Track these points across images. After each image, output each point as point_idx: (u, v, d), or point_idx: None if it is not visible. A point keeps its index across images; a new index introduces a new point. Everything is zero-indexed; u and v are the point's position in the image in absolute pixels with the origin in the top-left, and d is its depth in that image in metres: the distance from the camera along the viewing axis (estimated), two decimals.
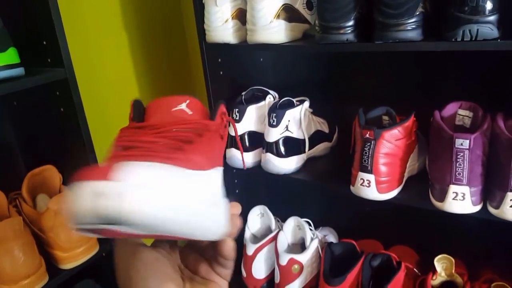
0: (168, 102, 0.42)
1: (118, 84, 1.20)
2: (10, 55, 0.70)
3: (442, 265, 0.92)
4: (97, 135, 0.88)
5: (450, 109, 0.81)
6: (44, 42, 0.78)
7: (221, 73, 1.07)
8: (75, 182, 0.29)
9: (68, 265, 0.82)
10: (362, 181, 0.80)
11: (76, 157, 0.86)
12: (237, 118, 1.00)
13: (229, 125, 0.51)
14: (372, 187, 0.80)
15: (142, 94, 1.27)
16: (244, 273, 1.16)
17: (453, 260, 0.90)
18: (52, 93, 0.82)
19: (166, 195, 0.30)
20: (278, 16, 0.86)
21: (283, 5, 0.86)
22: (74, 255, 0.81)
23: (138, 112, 0.41)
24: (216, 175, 0.38)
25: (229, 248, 0.40)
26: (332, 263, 1.00)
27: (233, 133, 1.01)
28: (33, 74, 0.75)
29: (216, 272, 0.42)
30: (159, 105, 0.42)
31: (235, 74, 1.11)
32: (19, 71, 0.72)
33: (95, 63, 1.12)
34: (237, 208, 0.41)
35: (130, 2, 1.18)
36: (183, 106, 0.41)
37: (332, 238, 1.20)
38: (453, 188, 0.72)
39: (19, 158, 1.00)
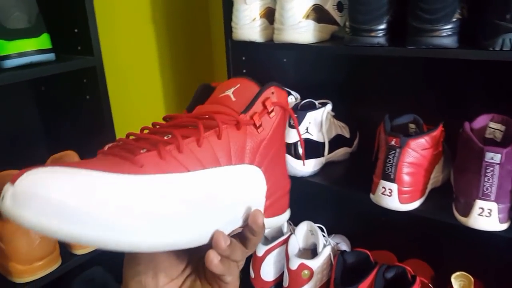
0: (225, 85, 0.43)
1: (142, 75, 1.21)
2: (43, 41, 0.71)
3: (460, 283, 0.89)
4: (120, 123, 0.89)
5: (480, 121, 0.79)
6: (76, 30, 0.78)
7: (244, 71, 1.06)
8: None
9: (81, 251, 0.83)
10: (383, 189, 0.79)
11: (98, 144, 0.86)
12: None
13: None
14: (393, 197, 0.78)
15: (164, 86, 1.27)
16: (252, 274, 1.15)
17: (472, 279, 0.87)
18: (80, 80, 0.82)
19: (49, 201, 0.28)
20: (307, 16, 0.86)
21: (313, 5, 0.86)
22: None
23: (196, 97, 0.44)
24: (181, 178, 0.35)
25: (258, 221, 0.38)
26: (344, 272, 0.99)
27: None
28: (63, 61, 0.75)
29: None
30: (218, 88, 0.43)
31: (258, 72, 1.10)
32: (50, 56, 0.72)
33: (122, 53, 1.13)
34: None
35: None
36: (230, 91, 0.41)
37: (344, 246, 1.18)
38: (479, 203, 0.70)
39: (43, 142, 1.00)
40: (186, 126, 0.38)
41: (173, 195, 0.33)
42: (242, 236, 0.39)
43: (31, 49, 0.68)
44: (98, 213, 0.29)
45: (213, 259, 0.35)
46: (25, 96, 0.96)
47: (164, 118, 0.41)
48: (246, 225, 0.39)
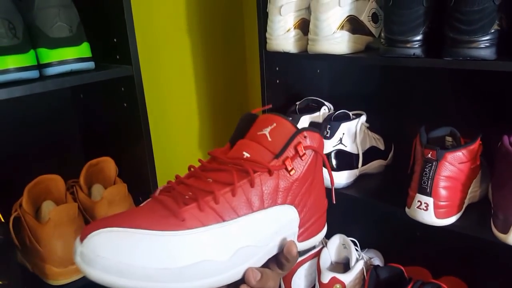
0: (263, 121, 0.46)
1: (178, 85, 1.23)
2: (84, 49, 0.73)
3: None
4: (156, 132, 0.91)
5: None
6: (115, 40, 0.81)
7: (278, 81, 1.07)
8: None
9: None
10: (419, 203, 0.77)
11: (134, 152, 0.89)
12: None
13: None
14: (429, 211, 0.76)
15: (198, 96, 1.30)
16: (283, 287, 1.14)
17: None
18: (118, 89, 0.85)
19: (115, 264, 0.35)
20: (342, 27, 0.85)
21: (348, 16, 0.85)
22: None
23: (239, 128, 0.49)
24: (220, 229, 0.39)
25: (292, 252, 0.43)
26: (377, 287, 0.96)
27: None
28: (102, 69, 0.78)
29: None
30: (257, 124, 0.47)
31: (291, 83, 1.10)
32: (90, 64, 0.75)
33: (159, 62, 1.16)
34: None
35: (194, 6, 1.22)
36: (267, 130, 0.45)
37: (377, 261, 1.16)
38: None
39: (81, 148, 1.04)
40: (224, 170, 0.43)
41: (210, 245, 0.38)
42: (278, 261, 0.44)
43: (71, 57, 0.70)
44: (148, 268, 0.35)
45: (294, 248, 0.43)
46: (65, 103, 0.99)
47: (209, 154, 0.47)
48: (281, 252, 0.44)
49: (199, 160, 0.46)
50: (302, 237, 0.47)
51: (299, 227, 0.46)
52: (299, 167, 0.44)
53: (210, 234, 0.38)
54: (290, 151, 0.44)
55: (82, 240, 0.36)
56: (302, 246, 0.48)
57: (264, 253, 0.43)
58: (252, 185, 0.41)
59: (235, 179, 0.41)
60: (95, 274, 0.34)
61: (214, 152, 0.46)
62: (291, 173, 0.44)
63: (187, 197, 0.40)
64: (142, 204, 0.42)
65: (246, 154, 0.44)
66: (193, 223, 0.38)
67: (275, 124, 0.45)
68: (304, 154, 0.44)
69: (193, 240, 0.37)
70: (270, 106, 0.51)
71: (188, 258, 0.36)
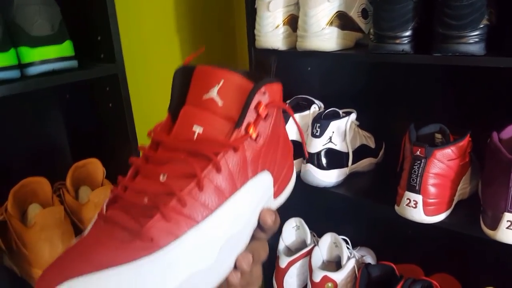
0: (205, 79, 0.37)
1: (165, 83, 1.21)
2: (66, 48, 0.72)
3: None
4: (143, 132, 0.89)
5: (509, 131, 0.76)
6: (99, 38, 0.80)
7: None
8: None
9: None
10: (408, 201, 0.76)
11: (121, 153, 0.87)
12: None
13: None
14: (418, 208, 0.75)
15: None
16: (275, 286, 1.14)
17: None
18: (103, 88, 0.84)
19: None
20: (331, 23, 0.85)
21: (337, 12, 0.85)
22: None
23: (178, 89, 0.39)
24: (201, 231, 0.34)
25: (267, 222, 0.38)
26: (368, 285, 0.96)
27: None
28: (86, 68, 0.77)
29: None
30: (198, 83, 0.38)
31: (281, 81, 1.09)
32: (73, 63, 0.74)
33: (145, 61, 1.14)
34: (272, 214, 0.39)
35: (182, 2, 1.20)
36: (214, 92, 0.36)
37: (369, 259, 1.15)
38: (507, 216, 0.67)
39: (67, 149, 1.02)
40: (178, 160, 0.35)
41: (191, 255, 0.33)
42: (261, 228, 0.39)
43: (54, 56, 0.69)
44: None
45: (234, 280, 0.37)
46: (50, 103, 0.98)
47: (151, 137, 0.38)
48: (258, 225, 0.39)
49: (140, 148, 0.38)
50: (277, 193, 0.42)
51: (273, 186, 0.41)
52: (264, 130, 0.38)
53: (187, 244, 0.33)
54: (250, 115, 0.36)
55: None
56: (278, 202, 0.43)
57: (248, 232, 0.38)
58: (218, 170, 0.35)
59: (196, 169, 0.34)
60: None
61: (157, 135, 0.37)
62: (257, 140, 0.37)
63: (142, 206, 0.33)
64: (90, 228, 0.35)
65: (197, 130, 0.36)
66: (164, 239, 0.32)
67: (222, 82, 0.36)
68: (267, 114, 0.38)
69: (171, 259, 0.32)
70: (203, 49, 0.42)
71: (172, 281, 0.31)
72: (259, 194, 0.39)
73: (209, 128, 0.36)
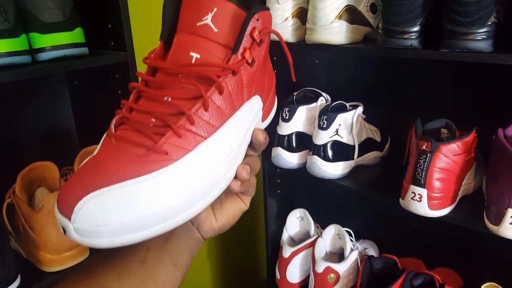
0: (197, 7, 0.38)
1: None
2: (77, 35, 0.73)
3: None
4: None
5: None
6: (109, 26, 0.80)
7: (275, 71, 1.05)
8: (55, 205, 0.33)
9: None
10: (413, 194, 0.77)
11: None
12: (287, 117, 0.99)
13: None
14: (423, 202, 0.76)
15: None
16: (278, 275, 1.15)
17: None
18: (112, 75, 0.84)
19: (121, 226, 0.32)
20: (340, 17, 0.85)
21: (346, 6, 0.85)
22: None
23: (169, 16, 0.40)
24: (214, 144, 0.37)
25: (260, 139, 0.42)
26: (370, 277, 0.97)
27: (281, 132, 1.00)
28: (96, 55, 0.77)
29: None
30: (189, 9, 0.39)
31: (289, 73, 1.09)
32: (83, 50, 0.74)
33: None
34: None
35: None
36: (208, 18, 0.38)
37: (372, 252, 1.16)
38: (511, 212, 0.67)
39: (75, 135, 1.04)
40: (181, 83, 0.37)
41: (203, 166, 0.36)
42: (251, 147, 0.43)
43: (64, 42, 0.69)
44: (158, 213, 0.33)
45: (235, 188, 0.41)
46: (59, 89, 0.99)
47: (147, 63, 0.39)
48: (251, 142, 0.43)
49: (138, 74, 0.39)
50: (264, 116, 0.46)
51: (261, 110, 0.44)
52: (258, 56, 0.40)
53: (198, 156, 0.36)
54: (246, 41, 0.38)
55: (68, 215, 0.31)
56: (265, 124, 0.46)
57: (244, 147, 0.42)
58: (220, 92, 0.37)
59: (202, 91, 0.36)
60: (102, 243, 0.31)
61: (154, 61, 0.39)
62: (252, 65, 0.39)
63: (151, 125, 0.36)
64: (99, 147, 0.37)
65: (195, 55, 0.38)
66: (177, 153, 0.35)
67: (216, 9, 0.38)
68: (261, 40, 0.39)
69: (186, 169, 0.35)
70: None
71: (189, 186, 0.35)
72: (252, 115, 0.42)
73: (206, 53, 0.38)
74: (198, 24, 0.38)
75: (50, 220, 0.74)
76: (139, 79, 0.40)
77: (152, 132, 0.35)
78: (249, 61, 0.39)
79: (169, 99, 0.37)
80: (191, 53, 0.38)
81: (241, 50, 0.38)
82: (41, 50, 0.68)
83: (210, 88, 0.37)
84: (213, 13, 0.38)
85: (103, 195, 0.32)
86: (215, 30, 0.38)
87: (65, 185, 0.34)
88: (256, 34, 0.38)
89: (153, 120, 0.36)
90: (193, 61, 0.38)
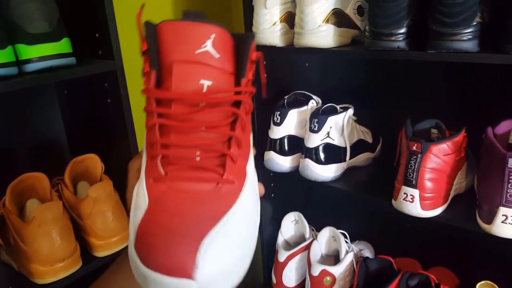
0: (191, 34, 0.37)
1: None
2: (64, 45, 0.72)
3: None
4: (141, 127, 0.90)
5: (504, 126, 0.76)
6: (97, 35, 0.80)
7: (265, 75, 1.06)
8: (153, 272, 0.29)
9: (101, 253, 0.83)
10: (405, 195, 0.77)
11: (119, 149, 0.88)
12: (278, 121, 0.99)
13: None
14: (415, 203, 0.76)
15: None
16: (274, 280, 1.14)
17: None
18: (101, 84, 0.84)
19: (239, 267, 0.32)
20: (327, 21, 0.85)
21: (333, 9, 0.85)
22: (109, 243, 0.83)
23: (152, 41, 0.37)
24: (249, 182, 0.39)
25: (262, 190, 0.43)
26: (366, 279, 0.97)
27: (273, 136, 1.00)
28: (84, 65, 0.77)
29: None
30: (180, 38, 0.37)
31: (279, 77, 1.10)
32: (71, 60, 0.74)
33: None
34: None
35: (181, 0, 1.20)
36: (208, 45, 0.37)
37: (368, 253, 1.16)
38: (502, 210, 0.67)
39: (65, 145, 1.03)
40: (209, 112, 0.36)
41: (255, 185, 0.39)
42: None
43: (51, 53, 0.69)
44: (254, 240, 0.35)
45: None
46: (49, 99, 0.98)
47: (161, 97, 0.36)
48: None
49: (147, 110, 0.37)
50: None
51: None
52: (252, 73, 0.41)
53: (250, 177, 0.38)
54: (249, 64, 0.39)
55: (188, 273, 0.29)
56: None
57: None
58: (247, 113, 0.38)
59: (239, 113, 0.36)
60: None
61: (164, 93, 0.36)
62: (253, 86, 0.40)
63: (198, 159, 0.35)
64: (149, 198, 0.34)
65: (206, 82, 0.36)
66: (240, 179, 0.36)
67: (214, 36, 0.37)
68: (253, 62, 0.40)
69: (249, 192, 0.36)
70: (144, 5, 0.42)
71: (257, 205, 0.37)
72: (251, 154, 0.43)
73: (216, 79, 0.37)
74: (198, 51, 0.37)
75: (41, 232, 0.74)
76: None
77: (213, 164, 0.35)
78: (251, 79, 0.39)
79: (203, 128, 0.36)
80: (202, 81, 0.36)
81: (247, 73, 0.38)
82: (28, 61, 0.68)
83: (238, 110, 0.37)
84: (211, 39, 0.37)
85: (215, 239, 0.30)
86: (217, 56, 0.37)
87: (152, 256, 0.30)
88: (254, 55, 0.39)
89: (198, 153, 0.35)
90: (205, 89, 0.36)
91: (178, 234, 0.31)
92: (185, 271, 0.29)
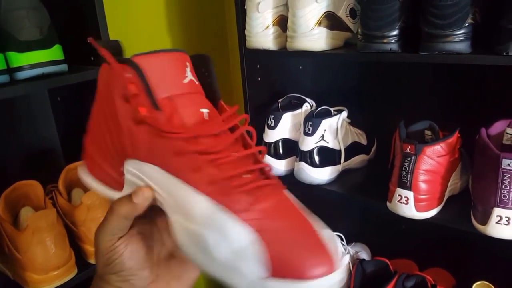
0: (171, 66, 0.37)
1: None
2: (55, 52, 0.72)
3: None
4: None
5: (497, 127, 0.77)
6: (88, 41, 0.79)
7: (259, 79, 1.06)
8: (318, 280, 0.30)
9: None
10: (399, 197, 0.77)
11: None
12: (273, 124, 0.99)
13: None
14: (410, 205, 0.76)
15: None
16: None
17: None
18: (94, 91, 0.83)
19: None
20: (319, 24, 0.85)
21: (325, 12, 0.85)
22: None
23: (145, 81, 0.36)
24: None
25: None
26: (363, 281, 0.97)
27: (268, 140, 1.00)
28: (76, 71, 0.76)
29: None
30: (163, 72, 0.37)
31: (273, 80, 1.10)
32: (62, 67, 0.74)
33: None
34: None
35: (174, 5, 1.20)
36: (189, 74, 0.38)
37: (364, 255, 1.16)
38: (497, 211, 0.68)
39: (59, 152, 1.02)
40: (225, 139, 0.37)
41: None
42: None
43: (43, 60, 0.69)
44: None
45: None
46: (41, 106, 0.98)
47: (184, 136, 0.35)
48: None
49: (178, 153, 0.35)
50: None
51: None
52: None
53: None
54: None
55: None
56: None
57: None
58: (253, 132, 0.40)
59: (253, 131, 0.39)
60: None
61: (193, 131, 0.35)
62: None
63: (248, 176, 0.36)
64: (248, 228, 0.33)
65: (204, 111, 0.37)
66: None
67: (188, 63, 0.38)
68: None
69: None
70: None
71: None
72: None
73: (208, 105, 0.38)
74: (184, 81, 0.37)
75: (35, 240, 0.73)
76: None
77: (267, 175, 0.37)
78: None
79: (235, 154, 0.36)
80: (201, 110, 0.37)
81: (220, 94, 0.41)
82: (19, 69, 0.67)
83: (242, 126, 0.38)
84: (188, 67, 0.38)
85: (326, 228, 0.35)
86: (197, 82, 0.38)
87: (307, 268, 0.31)
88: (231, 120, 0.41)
89: (247, 176, 0.36)
90: (206, 116, 0.37)
91: (306, 238, 0.33)
92: (335, 263, 0.31)
